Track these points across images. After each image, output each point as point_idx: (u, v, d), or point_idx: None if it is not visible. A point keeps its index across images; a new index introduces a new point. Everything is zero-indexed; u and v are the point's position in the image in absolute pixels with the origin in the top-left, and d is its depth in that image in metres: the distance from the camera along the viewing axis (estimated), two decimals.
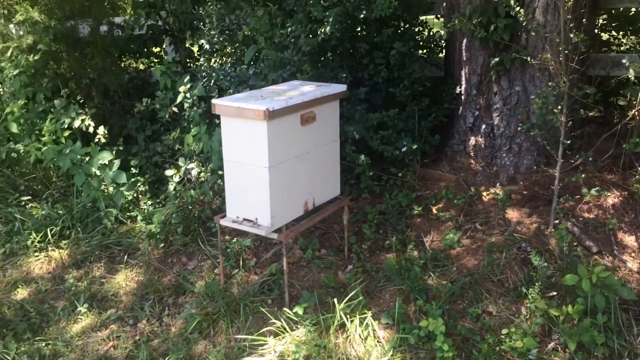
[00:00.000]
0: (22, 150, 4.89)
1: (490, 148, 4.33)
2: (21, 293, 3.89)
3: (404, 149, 4.16)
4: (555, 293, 3.20)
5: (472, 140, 4.42)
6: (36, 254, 4.22)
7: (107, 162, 4.48)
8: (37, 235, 4.27)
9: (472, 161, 4.42)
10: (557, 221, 3.71)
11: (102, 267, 4.07)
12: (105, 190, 4.49)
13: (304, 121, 3.33)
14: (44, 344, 3.34)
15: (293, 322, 3.20)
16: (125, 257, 4.13)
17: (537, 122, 3.83)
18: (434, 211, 4.13)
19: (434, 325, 2.99)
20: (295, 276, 3.73)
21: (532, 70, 4.04)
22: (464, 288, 3.37)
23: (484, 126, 4.34)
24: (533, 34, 3.90)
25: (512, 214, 3.93)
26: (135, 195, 4.79)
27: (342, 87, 3.59)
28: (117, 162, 4.41)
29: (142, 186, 4.87)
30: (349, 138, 4.23)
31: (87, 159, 4.57)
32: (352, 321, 3.12)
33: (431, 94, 4.56)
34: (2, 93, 5.46)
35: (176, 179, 4.46)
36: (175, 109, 4.76)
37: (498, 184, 4.20)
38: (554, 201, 3.68)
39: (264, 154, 3.13)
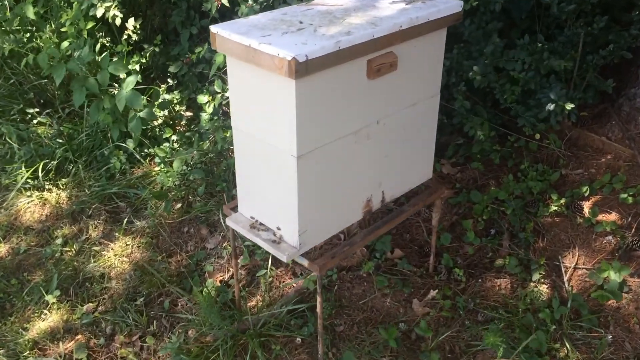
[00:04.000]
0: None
1: None
2: None
3: (551, 107, 2.54)
4: None
5: None
6: (29, 192, 3.24)
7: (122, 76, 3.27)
8: (28, 171, 3.26)
9: None
10: None
11: (101, 226, 3.03)
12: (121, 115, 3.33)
13: (372, 72, 1.86)
14: None
15: None
16: (131, 215, 3.04)
17: None
18: (586, 211, 2.58)
19: None
20: (347, 295, 2.46)
21: None
22: None
23: None
24: None
25: None
26: (171, 117, 3.61)
27: (454, 6, 2.02)
28: (131, 79, 3.18)
29: (178, 106, 3.67)
30: (463, 80, 2.68)
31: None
32: None
33: (612, 9, 2.79)
34: None
35: (210, 109, 3.18)
36: (224, 1, 3.36)
37: None
38: None
39: (291, 134, 1.75)
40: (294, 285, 2.54)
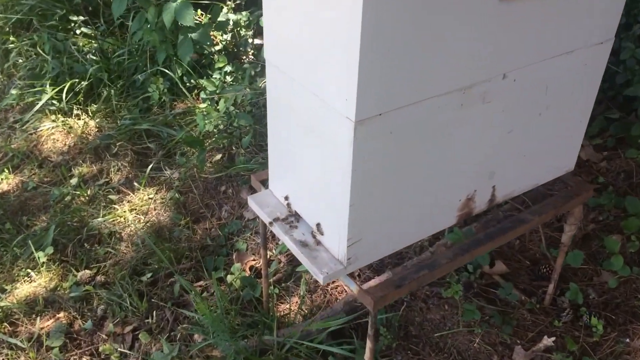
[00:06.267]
0: None
1: None
2: (6, 182, 2.47)
3: None
4: None
5: None
6: (54, 116, 2.70)
7: None
8: (53, 89, 2.71)
9: None
10: None
11: (124, 169, 2.43)
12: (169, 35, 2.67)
13: None
14: None
15: None
16: (161, 161, 2.42)
17: None
18: None
19: None
20: (418, 321, 1.72)
21: None
22: None
23: None
24: None
25: None
26: (234, 43, 2.93)
27: None
28: None
29: (245, 29, 2.96)
30: (638, 21, 1.77)
31: None
32: None
33: None
34: None
35: None
36: None
37: None
38: None
39: (348, 83, 0.99)
40: (348, 292, 1.83)
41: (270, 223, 1.34)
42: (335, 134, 1.08)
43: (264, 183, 1.48)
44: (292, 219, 1.34)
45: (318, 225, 1.26)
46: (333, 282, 1.89)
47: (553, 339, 1.61)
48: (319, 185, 1.20)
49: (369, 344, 1.29)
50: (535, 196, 2.06)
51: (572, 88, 1.35)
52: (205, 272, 1.97)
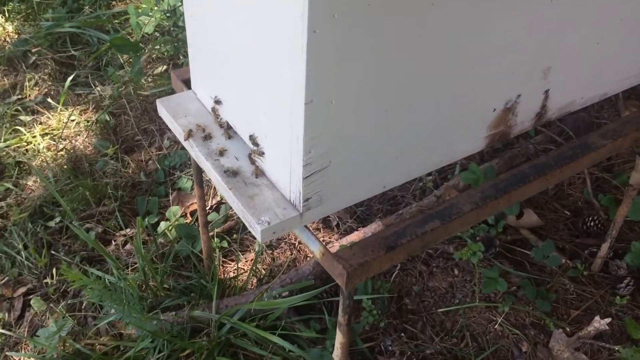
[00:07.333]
0: None
1: None
2: None
3: None
4: None
5: None
6: None
7: None
8: None
9: None
10: None
11: (44, 82, 1.90)
12: None
13: None
14: None
15: None
16: (89, 74, 1.88)
17: None
18: None
19: None
20: (416, 291, 1.23)
21: None
22: None
23: None
24: None
25: None
26: None
27: None
28: None
29: None
30: None
31: None
32: None
33: None
34: None
35: None
36: None
37: None
38: None
39: None
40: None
41: (186, 138, 0.82)
42: None
43: (188, 83, 0.96)
44: (220, 133, 0.83)
45: (252, 138, 0.75)
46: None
47: (608, 320, 1.13)
48: (258, 74, 0.69)
49: (339, 337, 0.80)
50: (575, 124, 1.56)
51: None
52: (132, 217, 1.47)
